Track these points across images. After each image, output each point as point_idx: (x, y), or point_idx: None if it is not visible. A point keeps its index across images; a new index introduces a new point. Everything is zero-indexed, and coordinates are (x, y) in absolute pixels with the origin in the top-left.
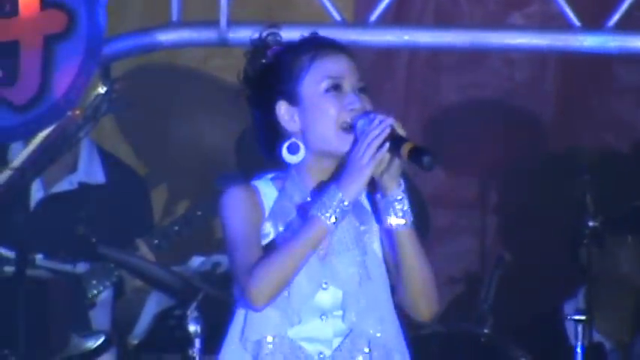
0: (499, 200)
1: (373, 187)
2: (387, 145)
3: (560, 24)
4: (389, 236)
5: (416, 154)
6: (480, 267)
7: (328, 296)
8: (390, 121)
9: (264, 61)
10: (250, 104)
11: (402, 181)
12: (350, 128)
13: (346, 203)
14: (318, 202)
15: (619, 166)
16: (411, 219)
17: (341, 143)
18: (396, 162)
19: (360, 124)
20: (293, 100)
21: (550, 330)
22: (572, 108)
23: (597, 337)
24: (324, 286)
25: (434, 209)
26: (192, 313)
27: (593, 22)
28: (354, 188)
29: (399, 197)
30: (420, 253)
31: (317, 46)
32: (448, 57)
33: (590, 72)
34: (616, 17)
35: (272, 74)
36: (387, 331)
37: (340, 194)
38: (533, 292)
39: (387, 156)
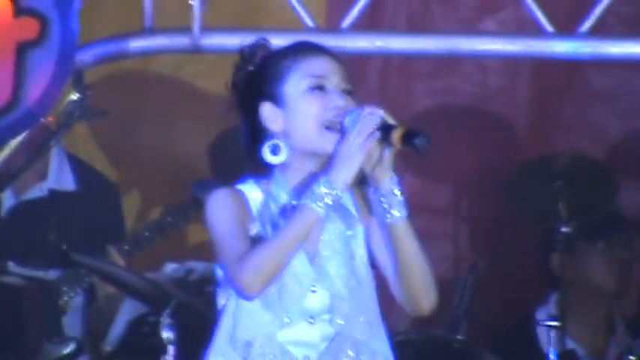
0: (472, 206)
1: (363, 184)
2: (377, 133)
3: (532, 29)
4: (384, 230)
5: (408, 138)
6: (453, 273)
7: (317, 299)
8: (380, 111)
9: (250, 68)
10: (238, 111)
11: (394, 174)
12: (334, 126)
13: (335, 192)
14: (308, 191)
15: (592, 172)
16: (407, 211)
17: (324, 142)
18: (387, 153)
19: (348, 119)
20: (277, 100)
21: (523, 336)
22: (545, 114)
23: (570, 343)
24: (312, 289)
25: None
26: (165, 319)
27: (566, 28)
28: (344, 176)
29: (393, 189)
30: (417, 244)
31: (302, 48)
32: (421, 63)
33: (563, 78)
34: (589, 23)
35: (257, 77)
36: (374, 336)
37: (330, 183)
38: (507, 298)
39: (378, 148)
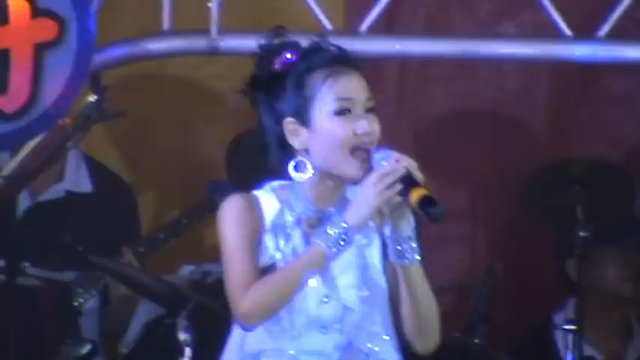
0: (490, 210)
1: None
2: (399, 186)
3: (551, 33)
4: (395, 270)
5: (424, 203)
6: (470, 276)
7: (329, 310)
8: (407, 162)
9: (274, 67)
10: (257, 108)
11: (412, 220)
12: (359, 153)
13: (348, 235)
14: (321, 230)
15: (609, 176)
16: (419, 257)
17: (349, 167)
18: (406, 204)
19: (377, 156)
20: (302, 120)
21: (540, 341)
22: (563, 118)
23: (587, 349)
24: (324, 299)
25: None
26: (182, 321)
27: (584, 32)
28: (358, 221)
29: (409, 236)
30: (425, 289)
31: (329, 62)
32: (439, 66)
33: (580, 82)
34: (607, 27)
35: (282, 87)
36: (385, 346)
37: (344, 225)
38: (524, 302)
39: (398, 197)
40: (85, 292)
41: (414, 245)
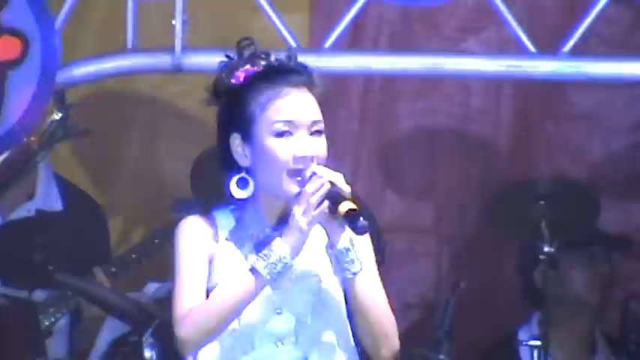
0: (455, 226)
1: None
2: (326, 203)
3: (515, 50)
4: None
5: (348, 219)
6: (436, 293)
7: (283, 322)
8: (331, 176)
9: (230, 82)
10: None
11: (347, 233)
12: (297, 176)
13: (286, 261)
14: (261, 253)
15: (574, 193)
16: (360, 267)
17: (288, 189)
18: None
19: (306, 178)
20: (246, 137)
21: (505, 356)
22: (528, 134)
23: None
24: (277, 311)
25: (390, 235)
26: (147, 339)
27: (549, 49)
28: (294, 246)
29: (346, 248)
30: (374, 300)
31: (279, 81)
32: (403, 83)
33: (545, 98)
34: (571, 43)
35: (233, 102)
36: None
37: (281, 251)
38: (489, 319)
39: (326, 215)
40: (55, 311)
41: (352, 257)
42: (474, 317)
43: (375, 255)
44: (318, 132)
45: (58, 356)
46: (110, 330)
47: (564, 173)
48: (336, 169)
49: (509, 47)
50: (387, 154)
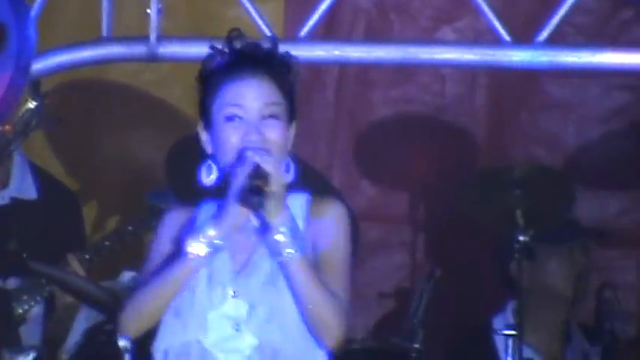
0: (430, 215)
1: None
2: (250, 184)
3: (490, 39)
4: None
5: (247, 194)
6: (410, 282)
7: (240, 307)
8: (255, 159)
9: (204, 72)
10: None
11: (283, 215)
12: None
13: (216, 241)
14: (192, 234)
15: (549, 181)
16: (294, 250)
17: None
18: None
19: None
20: (207, 124)
21: (480, 345)
22: (503, 123)
23: (527, 351)
24: (231, 293)
25: (364, 224)
26: None
27: (523, 38)
28: (222, 226)
29: (277, 231)
30: (309, 283)
31: (235, 68)
32: (378, 72)
33: (519, 87)
34: (545, 33)
35: (200, 92)
36: (294, 344)
37: (210, 231)
38: (464, 307)
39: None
40: (29, 299)
41: (283, 240)
42: (449, 306)
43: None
44: (273, 116)
45: (31, 344)
46: (85, 319)
47: (539, 162)
48: (311, 158)
49: (484, 36)
50: (362, 143)
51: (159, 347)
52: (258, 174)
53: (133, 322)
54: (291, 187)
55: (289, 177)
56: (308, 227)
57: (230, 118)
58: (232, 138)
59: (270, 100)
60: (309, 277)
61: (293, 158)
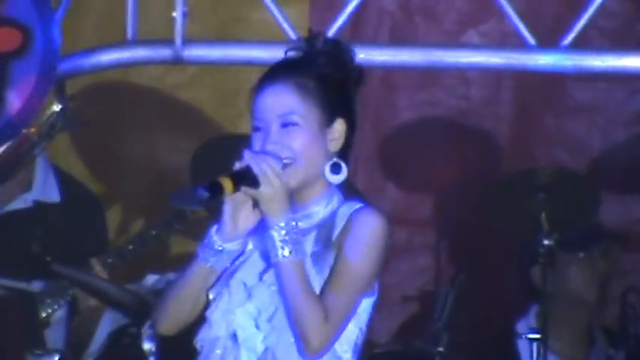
0: (454, 219)
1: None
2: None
3: (515, 42)
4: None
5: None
6: (435, 285)
7: (259, 306)
8: (248, 161)
9: None
10: None
11: (279, 217)
12: None
13: (216, 243)
14: (203, 241)
15: (574, 185)
16: (284, 253)
17: None
18: (256, 198)
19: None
20: None
21: (503, 349)
22: (527, 127)
23: (551, 357)
24: (255, 292)
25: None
26: (146, 331)
27: (548, 41)
28: (222, 229)
29: (273, 231)
30: (295, 288)
31: (264, 76)
32: (403, 75)
33: (545, 91)
34: (571, 36)
35: None
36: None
37: (213, 235)
38: (488, 311)
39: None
40: (53, 302)
41: (276, 242)
42: (473, 309)
43: None
44: (289, 124)
45: (55, 347)
46: (109, 321)
47: (564, 166)
48: None
49: (509, 40)
50: (387, 147)
51: (197, 341)
52: (244, 174)
53: (160, 320)
54: (348, 195)
55: (339, 178)
56: (341, 235)
57: (256, 129)
58: (255, 147)
59: (285, 109)
60: (297, 282)
61: (343, 157)
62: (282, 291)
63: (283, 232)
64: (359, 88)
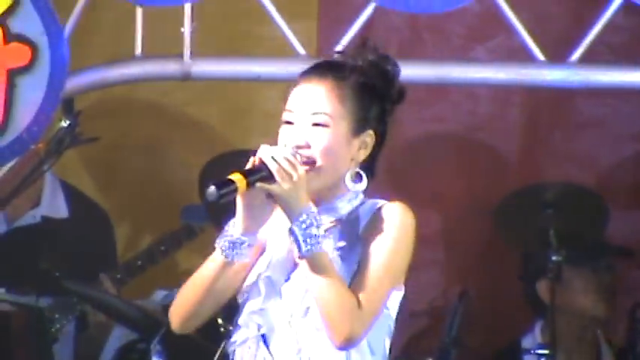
0: (462, 234)
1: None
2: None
3: (523, 58)
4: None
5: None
6: (443, 301)
7: (289, 304)
8: (260, 155)
9: None
10: None
11: (298, 212)
12: None
13: (233, 236)
14: (220, 235)
15: (582, 201)
16: (306, 247)
17: None
18: (273, 193)
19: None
20: None
21: None
22: (536, 142)
23: None
24: (284, 290)
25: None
26: (155, 346)
27: (557, 57)
28: (238, 222)
29: (293, 226)
30: (321, 281)
31: (301, 75)
32: (411, 91)
33: (553, 106)
34: (579, 52)
35: None
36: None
37: (231, 228)
38: (496, 327)
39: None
40: (61, 317)
41: (298, 238)
42: (480, 325)
43: None
44: (318, 124)
45: None
46: (118, 337)
47: (572, 181)
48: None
49: (518, 55)
50: (395, 162)
51: (229, 344)
52: (258, 170)
53: (177, 319)
54: (368, 196)
55: (358, 187)
56: (368, 226)
57: (286, 122)
58: (282, 140)
59: (316, 109)
60: (325, 274)
61: (366, 168)
62: (311, 284)
63: (304, 225)
64: (396, 106)
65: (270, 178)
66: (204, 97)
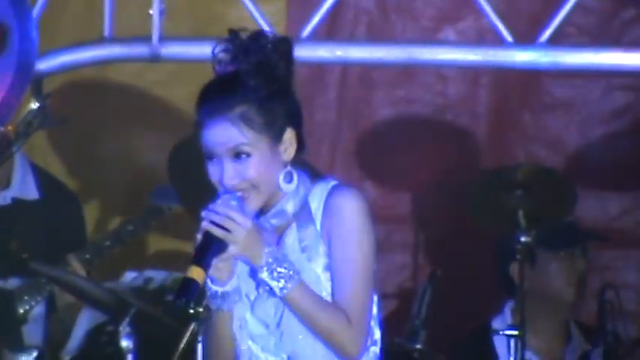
0: (431, 216)
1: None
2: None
3: (492, 39)
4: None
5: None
6: (412, 282)
7: (270, 312)
8: (202, 225)
9: None
10: None
11: (261, 255)
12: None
13: (219, 293)
14: (209, 294)
15: (551, 182)
16: (285, 285)
17: None
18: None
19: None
20: None
21: (480, 345)
22: (505, 123)
23: (527, 354)
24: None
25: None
26: (124, 328)
27: (525, 38)
28: (215, 278)
29: (261, 274)
30: (309, 310)
31: (201, 109)
32: (380, 73)
33: (522, 88)
34: (548, 33)
35: None
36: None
37: (212, 288)
38: (466, 308)
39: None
40: (30, 299)
41: (269, 282)
42: (450, 306)
43: None
44: (241, 154)
45: (33, 344)
46: (87, 319)
47: (541, 162)
48: (313, 158)
49: (487, 37)
50: (364, 144)
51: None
52: (207, 246)
53: None
54: (314, 178)
55: (291, 187)
56: (324, 221)
57: (208, 159)
58: (214, 177)
59: (233, 142)
60: (308, 304)
61: (296, 166)
62: (299, 318)
63: (270, 268)
64: (293, 73)
65: (222, 246)
66: (174, 79)
